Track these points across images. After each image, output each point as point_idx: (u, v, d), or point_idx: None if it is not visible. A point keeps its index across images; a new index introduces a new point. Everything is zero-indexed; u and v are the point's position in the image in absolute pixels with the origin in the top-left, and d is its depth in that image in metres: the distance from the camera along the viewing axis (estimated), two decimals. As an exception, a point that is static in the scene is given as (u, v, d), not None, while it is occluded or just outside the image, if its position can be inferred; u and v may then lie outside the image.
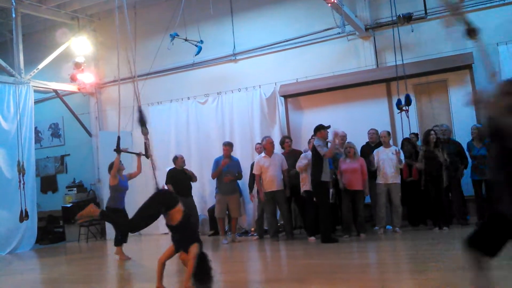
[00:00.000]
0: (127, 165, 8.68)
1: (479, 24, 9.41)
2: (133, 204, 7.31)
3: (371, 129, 9.29)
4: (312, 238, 8.25)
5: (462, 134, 8.96)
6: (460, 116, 9.44)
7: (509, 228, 3.48)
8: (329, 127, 8.19)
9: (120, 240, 8.10)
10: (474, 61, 9.28)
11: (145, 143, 7.69)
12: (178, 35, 10.84)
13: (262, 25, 11.71)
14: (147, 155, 7.63)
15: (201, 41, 10.97)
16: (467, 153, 8.59)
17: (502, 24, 9.61)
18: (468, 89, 9.25)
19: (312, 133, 8.64)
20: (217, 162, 9.58)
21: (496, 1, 9.68)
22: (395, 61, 9.32)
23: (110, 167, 8.04)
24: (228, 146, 9.67)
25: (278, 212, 9.24)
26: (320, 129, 8.18)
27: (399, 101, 8.82)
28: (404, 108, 8.69)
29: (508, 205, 3.39)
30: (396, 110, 9.15)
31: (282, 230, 9.29)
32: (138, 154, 8.22)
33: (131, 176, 8.41)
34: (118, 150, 7.55)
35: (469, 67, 9.35)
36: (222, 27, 11.98)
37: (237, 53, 11.88)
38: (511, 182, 3.39)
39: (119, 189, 8.07)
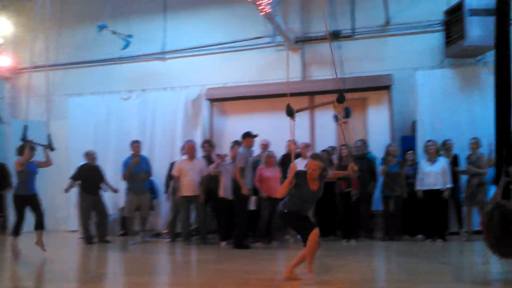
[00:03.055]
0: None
1: (399, 49, 10.03)
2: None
3: (289, 140, 9.44)
4: (224, 243, 8.26)
5: (377, 151, 9.33)
6: (376, 134, 9.88)
7: None
8: (256, 136, 8.24)
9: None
10: (393, 83, 9.74)
11: (49, 135, 7.41)
12: (106, 27, 10.52)
13: (194, 26, 11.64)
14: (51, 147, 7.37)
15: (130, 36, 10.73)
16: (379, 169, 8.95)
17: (421, 51, 10.19)
18: (385, 108, 9.70)
19: (235, 139, 8.68)
20: (126, 163, 9.35)
21: (417, 28, 10.22)
22: (335, 73, 9.46)
23: (19, 151, 7.51)
24: (138, 144, 9.49)
25: (193, 216, 9.16)
26: (247, 137, 8.19)
27: (336, 116, 9.03)
28: (343, 120, 8.90)
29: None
30: (323, 123, 9.36)
31: (195, 234, 9.21)
32: (45, 146, 7.73)
33: (40, 165, 7.83)
34: (24, 140, 7.17)
35: (388, 88, 9.80)
36: (153, 24, 11.78)
37: (166, 51, 11.73)
38: None
39: (27, 174, 7.52)
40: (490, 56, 9.66)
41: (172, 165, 9.38)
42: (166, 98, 11.04)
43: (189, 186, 8.80)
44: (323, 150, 9.36)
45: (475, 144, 8.55)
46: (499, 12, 5.44)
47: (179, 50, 11.64)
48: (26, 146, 7.38)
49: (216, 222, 9.36)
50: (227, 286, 4.99)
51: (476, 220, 8.63)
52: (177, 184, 8.94)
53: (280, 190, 5.19)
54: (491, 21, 9.09)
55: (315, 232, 5.04)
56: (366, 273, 5.82)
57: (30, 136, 7.42)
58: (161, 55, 11.76)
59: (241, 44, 11.15)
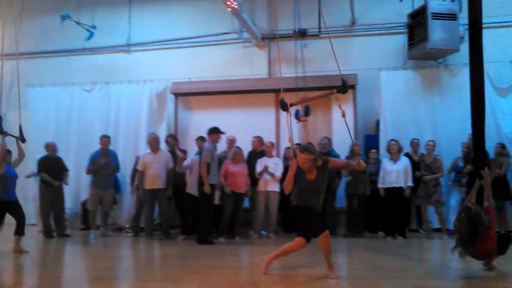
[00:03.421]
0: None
1: (364, 49, 10.19)
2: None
3: (255, 137, 9.46)
4: (181, 237, 8.26)
5: (342, 149, 9.45)
6: (340, 132, 9.99)
7: None
8: (223, 133, 8.21)
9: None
10: (358, 82, 9.90)
11: (20, 126, 7.17)
12: (70, 17, 10.29)
13: (161, 20, 11.53)
14: (23, 139, 7.12)
15: (94, 27, 10.54)
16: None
17: (385, 52, 10.40)
18: (350, 107, 9.85)
19: (200, 134, 8.64)
20: (93, 157, 9.19)
21: (382, 30, 10.42)
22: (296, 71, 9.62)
23: None
24: (107, 138, 9.38)
25: (156, 211, 9.08)
26: (214, 132, 8.13)
27: (297, 112, 9.09)
28: (302, 118, 8.98)
29: None
30: (294, 120, 9.39)
31: (159, 229, 9.13)
32: (17, 138, 7.24)
33: (15, 164, 7.34)
34: (1, 131, 6.91)
35: (352, 87, 9.94)
36: (118, 15, 11.60)
37: (132, 44, 11.57)
38: None
39: (6, 178, 7.07)
40: (451, 59, 9.98)
41: (137, 159, 9.26)
42: (130, 91, 10.89)
43: (153, 179, 8.71)
44: (287, 148, 9.44)
45: (432, 146, 8.77)
46: (472, 22, 5.51)
47: (144, 43, 11.51)
48: (3, 138, 7.08)
49: (180, 217, 9.29)
50: (189, 281, 4.97)
51: (432, 218, 8.89)
52: (141, 178, 8.83)
53: (285, 186, 5.15)
54: (453, 25, 9.44)
55: (325, 233, 5.07)
56: (326, 268, 5.88)
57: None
58: (126, 47, 11.59)
59: (207, 39, 11.11)
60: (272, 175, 8.64)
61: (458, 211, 5.14)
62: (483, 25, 10.11)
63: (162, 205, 8.80)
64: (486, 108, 9.59)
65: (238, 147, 8.75)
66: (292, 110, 9.33)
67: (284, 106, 5.66)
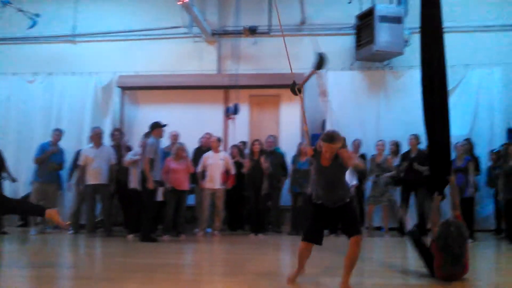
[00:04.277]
0: None
1: (312, 49, 10.23)
2: None
3: (206, 133, 9.39)
4: (131, 236, 8.08)
5: (288, 147, 9.52)
6: (287, 130, 10.10)
7: None
8: (165, 126, 8.08)
9: None
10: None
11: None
12: (11, 3, 9.83)
13: (109, 10, 11.26)
14: None
15: (37, 15, 10.12)
16: (290, 166, 9.16)
17: (333, 52, 10.51)
18: (298, 106, 9.94)
19: (147, 128, 8.46)
20: (43, 147, 8.88)
21: (331, 30, 10.58)
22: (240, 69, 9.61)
23: None
24: (59, 133, 9.08)
25: (98, 207, 8.85)
26: (157, 127, 8.00)
27: (228, 109, 9.08)
28: (231, 116, 8.98)
29: None
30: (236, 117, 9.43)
31: (101, 226, 8.91)
32: None
33: None
34: None
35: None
36: (63, 4, 11.25)
37: (77, 34, 11.22)
38: None
39: None
40: (396, 61, 10.26)
41: (78, 153, 8.99)
42: (74, 83, 10.57)
43: (95, 174, 8.49)
44: (234, 145, 9.44)
45: (382, 146, 8.99)
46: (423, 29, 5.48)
47: (90, 34, 11.17)
48: None
49: (123, 214, 9.10)
50: (129, 280, 4.87)
51: (377, 217, 9.13)
52: (82, 173, 8.57)
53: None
54: (398, 28, 9.71)
55: (303, 245, 4.56)
56: (272, 266, 5.94)
57: None
58: (71, 37, 11.22)
59: (156, 33, 10.93)
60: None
61: (441, 227, 4.73)
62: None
63: (104, 202, 8.59)
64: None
65: (181, 143, 8.65)
66: (223, 107, 9.42)
67: (294, 90, 5.41)
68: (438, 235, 4.63)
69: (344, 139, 4.61)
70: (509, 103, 9.75)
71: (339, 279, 4.34)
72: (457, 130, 9.14)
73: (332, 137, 4.34)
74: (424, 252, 5.01)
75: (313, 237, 4.55)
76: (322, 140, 4.37)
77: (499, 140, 9.51)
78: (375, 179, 8.86)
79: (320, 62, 5.11)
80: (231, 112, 8.71)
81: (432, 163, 5.26)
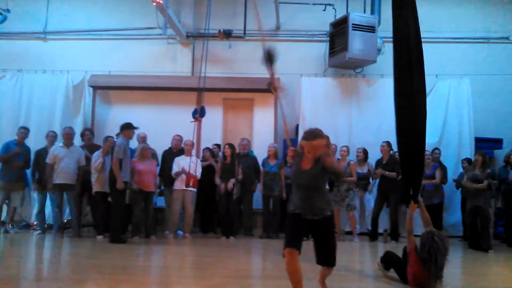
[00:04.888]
0: None
1: (287, 54, 10.35)
2: None
3: (177, 135, 9.33)
4: (100, 237, 7.96)
5: (262, 151, 9.53)
6: (261, 134, 10.13)
7: None
8: (136, 128, 8.00)
9: None
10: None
11: None
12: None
13: (82, 8, 11.11)
14: None
15: (8, 10, 9.92)
16: (261, 169, 9.17)
17: (307, 58, 10.66)
18: (271, 111, 10.00)
19: (118, 129, 8.37)
20: (7, 146, 8.69)
21: (305, 37, 10.69)
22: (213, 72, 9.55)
23: None
24: (25, 131, 8.89)
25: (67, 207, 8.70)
26: (127, 128, 7.91)
27: (195, 111, 9.04)
28: (198, 118, 8.94)
29: None
30: (209, 120, 9.38)
31: (69, 227, 8.75)
32: None
33: None
34: None
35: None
36: (35, 0, 10.99)
37: (49, 31, 11.02)
38: None
39: None
40: (369, 69, 10.42)
41: (37, 154, 8.81)
42: (45, 81, 10.35)
43: (63, 173, 8.31)
44: (206, 148, 9.42)
45: (345, 152, 9.09)
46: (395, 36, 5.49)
47: (62, 31, 11.01)
48: None
49: (92, 215, 8.96)
50: (96, 282, 4.80)
51: (346, 222, 9.23)
52: (50, 172, 8.40)
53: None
54: (371, 37, 9.87)
55: (287, 253, 4.00)
56: (242, 269, 5.93)
57: None
58: (42, 35, 11.02)
59: (130, 33, 10.84)
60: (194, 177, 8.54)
61: (424, 238, 4.66)
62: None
63: (72, 202, 8.42)
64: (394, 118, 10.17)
65: (145, 144, 8.59)
66: (190, 109, 9.42)
67: (270, 58, 4.95)
68: (421, 246, 4.58)
69: (327, 138, 4.39)
70: (476, 113, 10.01)
71: (304, 282, 4.34)
72: (427, 138, 9.31)
73: (315, 134, 4.06)
74: (396, 260, 5.08)
75: (295, 243, 4.00)
76: (304, 139, 4.09)
77: (467, 148, 9.75)
78: (337, 183, 8.94)
79: (268, 57, 5.02)
80: (197, 115, 8.66)
81: (404, 173, 5.24)
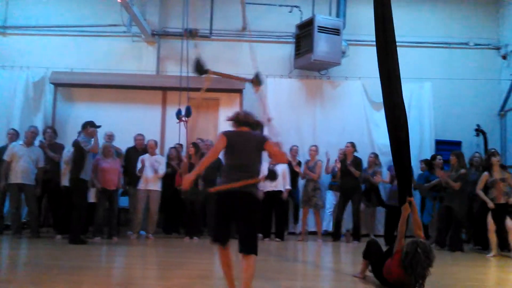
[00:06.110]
0: None
1: (252, 55, 10.34)
2: None
3: (139, 134, 9.21)
4: (59, 237, 7.80)
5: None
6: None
7: None
8: (99, 126, 7.84)
9: None
10: (245, 87, 10.07)
11: None
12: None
13: (44, 3, 10.84)
14: None
15: (-35, 4, 9.58)
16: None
17: (273, 59, 10.70)
18: (237, 111, 9.97)
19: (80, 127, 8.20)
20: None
21: (271, 38, 10.73)
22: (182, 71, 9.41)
23: None
24: None
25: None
26: (89, 126, 7.75)
27: (179, 111, 8.96)
28: (183, 119, 8.86)
29: None
30: (173, 119, 9.26)
31: (27, 227, 8.50)
32: None
33: None
34: None
35: (240, 91, 10.10)
36: (-7, -6, 10.68)
37: (8, 26, 10.71)
38: None
39: None
40: (333, 71, 10.54)
41: (5, 150, 8.54)
42: (4, 78, 10.13)
43: (20, 173, 8.07)
44: (173, 147, 9.33)
45: (314, 151, 9.19)
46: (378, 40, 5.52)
47: (23, 26, 10.72)
48: None
49: (52, 214, 8.74)
50: (54, 283, 4.68)
51: (310, 221, 9.30)
52: (7, 169, 8.14)
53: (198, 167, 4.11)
54: (336, 39, 9.99)
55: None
56: (206, 270, 5.90)
57: None
58: (2, 29, 10.69)
59: (94, 30, 10.63)
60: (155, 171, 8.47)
61: (408, 247, 4.55)
62: (362, 43, 10.86)
63: (30, 202, 8.17)
64: (361, 121, 10.32)
65: (109, 142, 8.46)
66: (174, 109, 9.34)
67: (200, 68, 5.22)
68: (404, 253, 4.54)
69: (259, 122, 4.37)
70: (437, 116, 10.26)
71: (269, 282, 4.36)
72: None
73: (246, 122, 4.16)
74: (376, 251, 5.10)
75: (219, 237, 4.02)
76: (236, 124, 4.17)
77: (428, 150, 9.98)
78: (305, 183, 9.03)
79: (197, 67, 5.09)
80: (182, 115, 8.56)
81: (399, 179, 5.28)
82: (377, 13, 5.10)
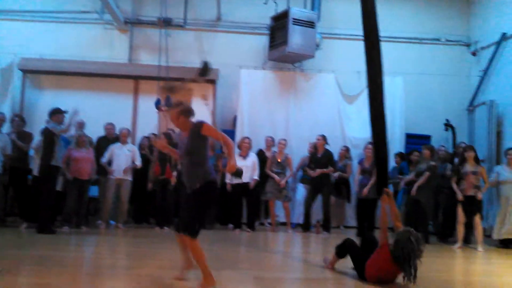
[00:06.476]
0: None
1: (227, 45, 10.34)
2: None
3: (108, 123, 9.08)
4: (24, 225, 7.67)
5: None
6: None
7: None
8: (66, 112, 7.69)
9: None
10: (219, 77, 10.04)
11: None
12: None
13: (12, -12, 10.52)
14: None
15: None
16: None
17: (247, 51, 10.68)
18: (209, 102, 9.95)
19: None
20: None
21: (245, 29, 10.70)
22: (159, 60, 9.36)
23: None
24: None
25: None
26: (56, 113, 7.59)
27: (158, 101, 8.87)
28: (163, 108, 8.77)
29: None
30: (145, 109, 9.20)
31: (-6, 216, 8.32)
32: None
33: None
34: None
35: (213, 82, 10.06)
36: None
37: (-26, 10, 10.39)
38: None
39: None
40: (307, 64, 10.58)
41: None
42: (-32, 63, 9.80)
43: (-14, 161, 7.88)
44: (145, 137, 9.24)
45: (283, 145, 9.20)
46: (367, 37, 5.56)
47: (-10, 11, 10.41)
48: None
49: (18, 203, 8.56)
50: (24, 273, 4.60)
51: (280, 213, 9.35)
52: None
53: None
54: (310, 32, 10.02)
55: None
56: (176, 260, 5.86)
57: None
58: (-33, 13, 10.39)
59: (65, 16, 10.44)
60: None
61: (400, 236, 4.51)
62: (336, 37, 10.92)
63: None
64: (334, 113, 10.37)
65: (82, 132, 8.33)
66: (147, 98, 9.25)
67: (205, 72, 5.28)
68: (395, 243, 4.49)
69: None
70: (408, 110, 10.42)
71: (238, 272, 4.37)
72: (362, 133, 9.62)
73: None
74: (355, 250, 5.05)
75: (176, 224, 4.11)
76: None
77: (398, 144, 10.13)
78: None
79: (204, 70, 5.05)
80: (159, 105, 8.45)
81: (379, 172, 5.29)
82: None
